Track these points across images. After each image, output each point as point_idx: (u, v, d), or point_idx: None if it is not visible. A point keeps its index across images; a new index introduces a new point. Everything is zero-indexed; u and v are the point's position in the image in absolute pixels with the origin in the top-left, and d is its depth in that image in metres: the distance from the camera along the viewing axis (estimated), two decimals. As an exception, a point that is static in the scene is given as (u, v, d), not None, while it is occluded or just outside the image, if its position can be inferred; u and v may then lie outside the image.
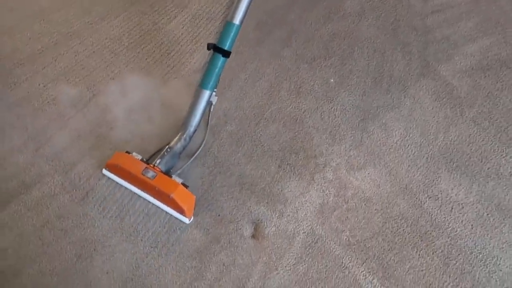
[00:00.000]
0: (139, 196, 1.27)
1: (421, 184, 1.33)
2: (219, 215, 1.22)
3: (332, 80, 1.50)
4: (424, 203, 1.29)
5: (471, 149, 1.39)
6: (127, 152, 1.30)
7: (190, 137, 1.36)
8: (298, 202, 1.26)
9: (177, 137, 1.34)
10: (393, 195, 1.30)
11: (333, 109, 1.45)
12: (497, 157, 1.38)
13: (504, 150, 1.39)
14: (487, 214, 1.28)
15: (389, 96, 1.47)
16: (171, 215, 1.27)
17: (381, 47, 1.56)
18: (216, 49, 1.34)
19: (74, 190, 1.22)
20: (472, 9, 1.67)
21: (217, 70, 1.34)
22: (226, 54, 1.34)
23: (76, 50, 1.54)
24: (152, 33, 1.58)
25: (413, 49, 1.56)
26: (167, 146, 1.32)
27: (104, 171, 1.34)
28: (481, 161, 1.37)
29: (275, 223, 1.21)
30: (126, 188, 1.29)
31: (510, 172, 1.35)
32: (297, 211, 1.24)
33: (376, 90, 1.49)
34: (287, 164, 1.34)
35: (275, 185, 1.29)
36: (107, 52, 1.54)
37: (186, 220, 1.27)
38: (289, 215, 1.23)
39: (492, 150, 1.39)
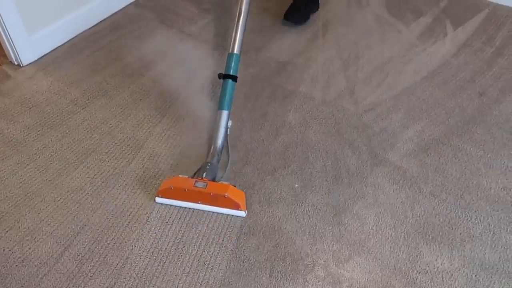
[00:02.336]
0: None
1: (407, 261, 1.37)
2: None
3: (296, 185, 1.58)
4: (416, 279, 1.32)
5: (439, 220, 1.48)
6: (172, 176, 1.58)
7: (221, 151, 1.67)
8: (300, 305, 1.24)
9: (210, 153, 1.65)
10: (386, 278, 1.32)
11: (305, 210, 1.50)
12: (463, 221, 1.47)
13: (468, 214, 1.49)
14: (475, 276, 1.33)
15: (352, 189, 1.56)
16: (228, 214, 1.51)
17: (331, 148, 1.69)
18: (226, 76, 1.77)
19: None
20: (396, 103, 1.89)
21: (229, 92, 1.75)
22: (234, 78, 1.78)
23: (38, 209, 1.51)
24: (114, 177, 1.60)
25: (359, 144, 1.71)
26: (206, 162, 1.59)
27: (157, 199, 1.55)
28: (452, 229, 1.45)
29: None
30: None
31: (479, 232, 1.44)
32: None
33: (339, 185, 1.58)
34: (278, 271, 1.34)
35: (273, 294, 1.27)
36: (72, 203, 1.52)
37: (242, 213, 1.51)
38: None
39: (457, 217, 1.48)
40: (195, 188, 1.47)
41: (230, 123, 1.75)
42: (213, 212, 1.51)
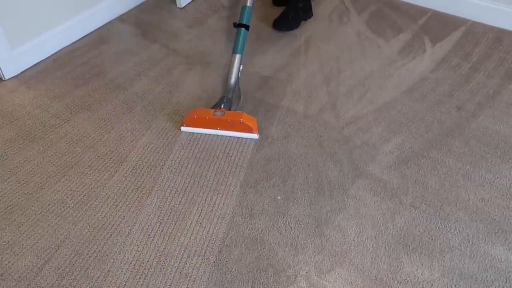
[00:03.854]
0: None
1: (388, 272, 1.38)
2: None
3: (279, 197, 1.59)
4: (397, 289, 1.34)
5: (419, 230, 1.50)
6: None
7: (234, 87, 1.97)
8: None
9: (226, 89, 1.96)
10: (368, 288, 1.34)
11: (287, 222, 1.51)
12: (443, 232, 1.49)
13: (447, 224, 1.51)
14: (455, 286, 1.35)
15: (334, 201, 1.58)
16: (243, 137, 1.81)
17: (313, 161, 1.71)
18: (239, 25, 2.07)
19: None
20: (377, 117, 1.92)
21: (242, 39, 2.04)
22: (247, 27, 2.08)
23: (19, 222, 1.49)
24: (97, 190, 1.60)
25: (340, 156, 1.73)
26: (222, 96, 1.89)
27: (183, 128, 1.84)
28: (432, 239, 1.47)
29: None
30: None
31: (458, 242, 1.46)
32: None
33: (321, 197, 1.59)
34: (260, 283, 1.34)
35: (255, 305, 1.27)
36: (53, 216, 1.51)
37: (255, 136, 1.80)
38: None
39: (437, 228, 1.51)
40: (214, 116, 1.77)
41: (241, 67, 2.03)
42: (229, 136, 1.81)
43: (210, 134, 1.82)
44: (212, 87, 2.07)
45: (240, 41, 2.03)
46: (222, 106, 1.83)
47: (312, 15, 2.54)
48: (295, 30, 2.46)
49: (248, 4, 2.13)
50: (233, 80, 1.96)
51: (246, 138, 1.80)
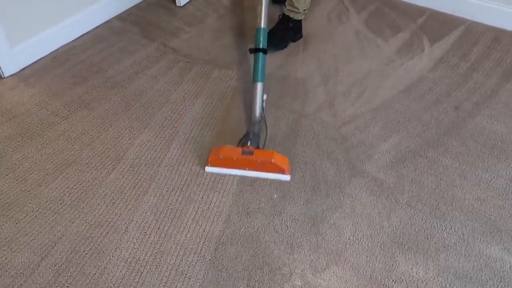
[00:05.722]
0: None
1: (383, 271, 1.39)
2: None
3: (275, 196, 1.60)
4: (392, 287, 1.34)
5: (415, 229, 1.50)
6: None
7: (260, 120, 1.78)
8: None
9: (251, 123, 1.77)
10: (362, 287, 1.34)
11: (283, 220, 1.52)
12: (438, 231, 1.50)
13: (442, 224, 1.52)
14: (450, 285, 1.35)
15: (330, 199, 1.59)
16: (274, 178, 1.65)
17: (310, 160, 1.72)
18: (256, 50, 1.91)
19: None
20: (374, 116, 1.92)
21: (261, 65, 1.87)
22: (264, 51, 1.91)
23: (16, 219, 1.50)
24: (94, 188, 1.61)
25: (337, 155, 1.74)
26: (248, 131, 1.73)
27: (207, 168, 1.67)
28: (427, 238, 1.48)
29: None
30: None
31: (454, 242, 1.47)
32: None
33: (317, 196, 1.60)
34: (255, 281, 1.35)
35: (250, 302, 1.28)
36: (50, 213, 1.52)
37: (287, 177, 1.65)
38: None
39: (432, 227, 1.51)
40: (243, 156, 1.62)
41: (265, 96, 1.86)
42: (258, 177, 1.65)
43: (237, 175, 1.67)
44: (212, 86, 2.08)
45: (259, 67, 1.86)
46: (249, 144, 1.66)
47: (301, 37, 2.41)
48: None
49: (262, 26, 1.97)
50: (257, 112, 1.79)
51: (276, 179, 1.65)
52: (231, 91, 2.05)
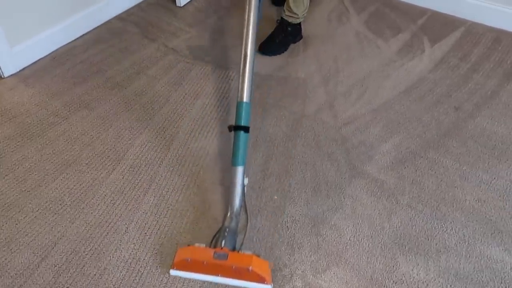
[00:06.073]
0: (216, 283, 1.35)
1: (383, 272, 1.39)
2: None
3: (276, 197, 1.59)
4: (392, 288, 1.35)
5: (416, 230, 1.50)
6: (188, 245, 1.40)
7: (239, 213, 1.50)
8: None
9: (228, 217, 1.47)
10: (363, 288, 1.35)
11: (284, 221, 1.52)
12: (439, 232, 1.50)
13: (443, 225, 1.52)
14: (450, 286, 1.35)
15: (330, 200, 1.58)
16: None
17: (311, 160, 1.72)
18: (236, 128, 1.54)
19: None
20: (374, 117, 1.92)
21: (242, 146, 1.53)
22: (246, 129, 1.55)
23: (16, 219, 1.50)
24: (94, 188, 1.60)
25: (338, 156, 1.74)
26: (224, 228, 1.43)
27: (172, 272, 1.37)
28: (428, 239, 1.48)
29: None
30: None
31: (455, 243, 1.47)
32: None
33: (317, 197, 1.59)
34: (256, 282, 1.35)
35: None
36: (50, 214, 1.52)
37: (268, 287, 1.32)
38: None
39: (433, 228, 1.51)
40: (214, 260, 1.31)
41: (246, 180, 1.56)
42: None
43: (206, 281, 1.37)
44: (212, 87, 2.08)
45: (240, 148, 1.52)
46: (223, 244, 1.36)
47: (301, 38, 2.40)
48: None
49: (244, 100, 1.57)
50: (237, 202, 1.49)
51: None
52: (231, 91, 2.05)
